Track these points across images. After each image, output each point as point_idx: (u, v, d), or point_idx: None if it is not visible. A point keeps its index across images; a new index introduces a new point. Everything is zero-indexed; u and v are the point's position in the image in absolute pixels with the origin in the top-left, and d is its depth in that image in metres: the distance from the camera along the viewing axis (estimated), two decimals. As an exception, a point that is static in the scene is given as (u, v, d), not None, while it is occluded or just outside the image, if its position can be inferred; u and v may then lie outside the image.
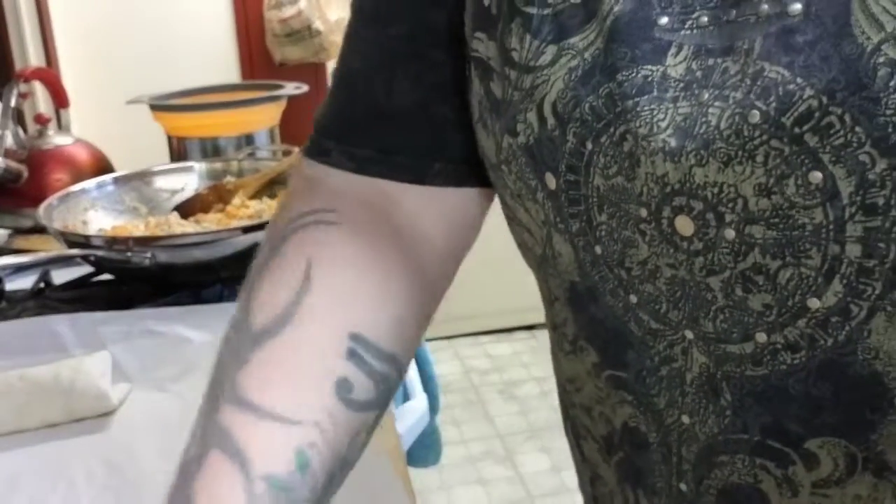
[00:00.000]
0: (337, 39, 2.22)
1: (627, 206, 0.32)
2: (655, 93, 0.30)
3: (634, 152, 0.31)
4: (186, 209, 1.08)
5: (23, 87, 1.22)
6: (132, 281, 0.96)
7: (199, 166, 1.16)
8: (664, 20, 0.30)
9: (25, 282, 0.98)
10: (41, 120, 1.24)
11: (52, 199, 0.99)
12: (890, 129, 0.26)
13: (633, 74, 0.31)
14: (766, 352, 0.31)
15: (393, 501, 0.58)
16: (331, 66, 2.40)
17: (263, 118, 1.33)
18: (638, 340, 0.35)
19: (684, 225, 0.31)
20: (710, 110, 0.29)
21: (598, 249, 0.34)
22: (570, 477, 2.35)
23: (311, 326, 0.39)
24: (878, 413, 0.30)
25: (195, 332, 0.82)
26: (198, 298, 0.92)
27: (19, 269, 1.01)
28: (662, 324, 0.34)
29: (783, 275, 0.29)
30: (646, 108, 0.30)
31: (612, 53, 0.31)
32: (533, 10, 0.34)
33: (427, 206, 0.44)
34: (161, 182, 1.12)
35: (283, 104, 1.35)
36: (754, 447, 0.33)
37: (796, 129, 0.27)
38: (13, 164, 1.15)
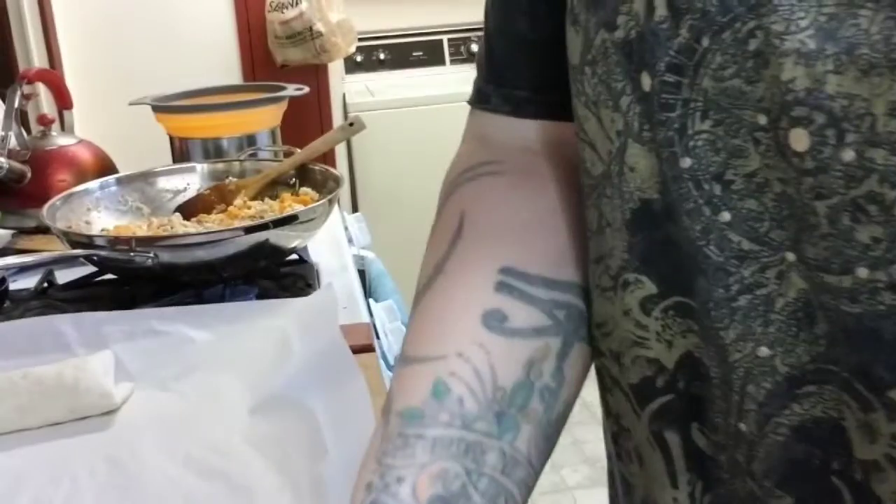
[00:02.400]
0: (338, 41, 2.22)
1: (742, 111, 0.30)
2: None
3: (763, 52, 0.28)
4: (189, 209, 1.08)
5: (26, 89, 1.22)
6: (135, 281, 0.96)
7: (201, 167, 1.16)
8: None
9: (29, 281, 0.99)
10: (45, 121, 1.25)
11: (55, 199, 1.00)
12: None
13: None
14: (866, 289, 0.28)
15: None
16: (332, 67, 2.41)
17: (265, 119, 1.34)
18: (713, 267, 0.32)
19: (799, 139, 0.28)
20: (862, 12, 0.26)
21: (685, 162, 0.32)
22: (569, 475, 2.36)
23: (458, 271, 0.39)
24: None
25: (197, 331, 0.82)
26: (200, 298, 0.93)
27: (23, 269, 1.02)
28: (760, 244, 0.31)
29: None
30: (786, 3, 0.27)
31: None
32: None
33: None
34: (163, 182, 1.13)
35: (284, 105, 1.35)
36: (843, 383, 0.30)
37: None
38: (17, 165, 1.15)
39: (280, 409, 0.68)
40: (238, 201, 1.08)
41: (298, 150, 1.15)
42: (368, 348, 0.80)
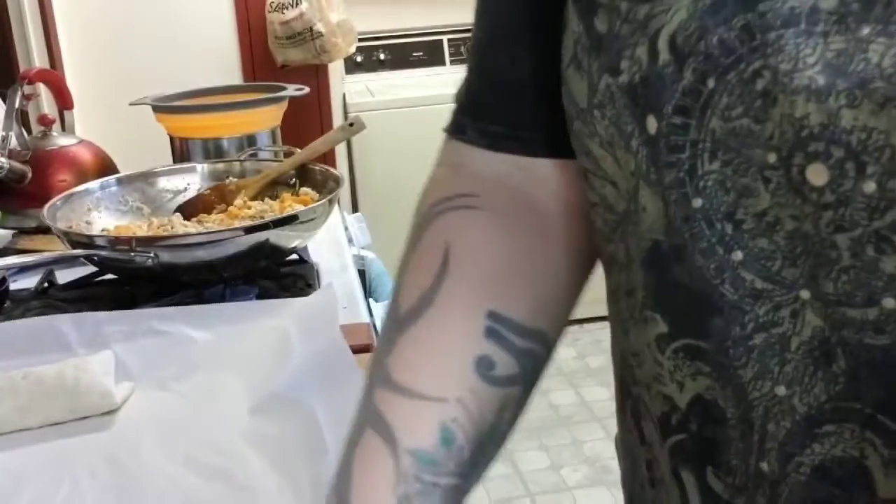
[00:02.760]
0: (338, 41, 2.22)
1: (751, 151, 0.30)
2: (803, 25, 0.27)
3: (771, 90, 0.28)
4: (189, 209, 1.08)
5: (27, 89, 1.22)
6: (135, 281, 0.96)
7: (201, 167, 1.16)
8: None
9: (30, 281, 0.99)
10: (45, 121, 1.25)
11: (55, 199, 1.00)
12: None
13: (779, 5, 0.28)
14: (892, 319, 0.28)
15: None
16: (332, 67, 2.41)
17: (265, 119, 1.34)
18: (729, 305, 0.32)
19: (817, 173, 0.28)
20: (872, 46, 0.26)
21: (697, 202, 0.32)
22: (569, 475, 2.36)
23: (449, 308, 0.40)
24: None
25: (198, 331, 0.82)
26: (200, 298, 0.93)
27: (23, 269, 1.02)
28: (772, 283, 0.31)
29: None
30: (791, 41, 0.28)
31: None
32: None
33: (569, 178, 0.43)
34: (164, 182, 1.13)
35: (284, 105, 1.35)
36: (866, 420, 0.30)
37: None
38: (17, 165, 1.15)
39: (280, 409, 0.68)
40: (238, 201, 1.08)
41: (298, 151, 1.15)
42: (368, 348, 0.80)
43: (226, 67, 2.35)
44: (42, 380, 0.71)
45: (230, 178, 1.13)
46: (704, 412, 0.35)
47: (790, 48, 0.28)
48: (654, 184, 0.33)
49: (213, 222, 1.04)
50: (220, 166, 1.16)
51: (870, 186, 0.27)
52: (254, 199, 1.09)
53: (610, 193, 0.38)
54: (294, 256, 1.02)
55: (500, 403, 0.40)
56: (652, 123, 0.32)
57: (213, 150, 1.31)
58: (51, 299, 0.95)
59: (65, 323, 0.82)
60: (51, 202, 0.98)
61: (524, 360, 0.41)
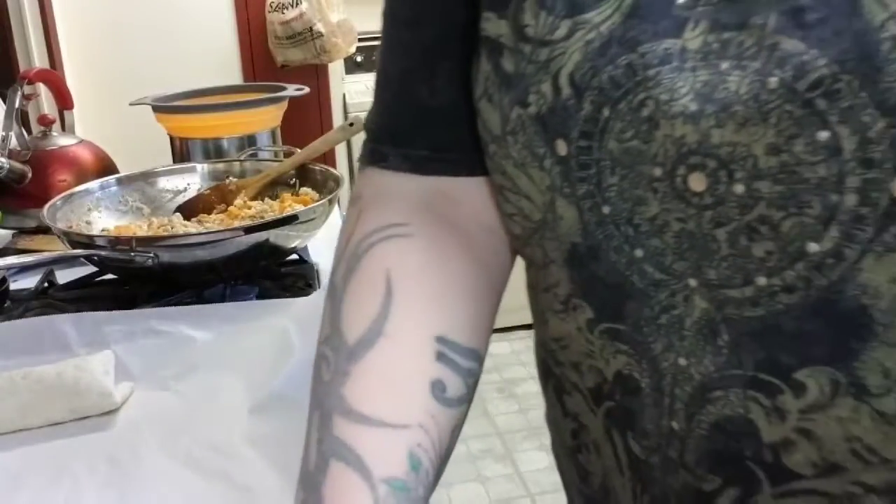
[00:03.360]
0: (338, 41, 2.23)
1: (641, 167, 0.35)
2: (675, 63, 0.33)
3: (654, 117, 0.34)
4: (189, 209, 1.08)
5: (27, 89, 1.22)
6: (135, 281, 0.96)
7: (201, 167, 1.16)
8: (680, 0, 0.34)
9: (30, 281, 0.99)
10: (45, 121, 1.25)
11: (55, 199, 1.00)
12: (890, 95, 0.30)
13: (655, 47, 0.34)
14: (765, 294, 0.34)
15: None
16: (332, 67, 2.41)
17: (265, 119, 1.34)
18: (639, 292, 0.38)
19: (697, 181, 0.34)
20: (730, 78, 0.32)
21: (605, 210, 0.38)
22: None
23: (401, 336, 0.42)
24: (862, 342, 0.33)
25: (198, 331, 0.82)
26: (200, 298, 0.93)
27: (23, 269, 1.02)
28: (667, 274, 0.37)
29: (786, 224, 0.33)
30: (667, 76, 0.34)
31: (633, 28, 0.34)
32: None
33: (485, 197, 0.47)
34: (164, 183, 1.13)
35: (284, 105, 1.35)
36: (747, 381, 0.36)
37: (808, 94, 0.31)
38: (17, 165, 1.16)
39: (280, 409, 0.68)
40: (238, 201, 1.08)
41: (298, 151, 1.15)
42: (368, 348, 0.80)
43: (226, 67, 2.35)
44: (42, 380, 0.71)
45: (230, 178, 1.13)
46: (624, 385, 0.41)
47: (667, 82, 0.34)
48: (569, 196, 0.39)
49: (213, 222, 1.04)
50: (220, 166, 1.17)
51: (739, 188, 0.33)
52: (254, 199, 1.10)
53: (525, 206, 0.43)
54: (294, 256, 1.02)
55: (453, 424, 0.42)
56: (562, 146, 0.38)
57: (213, 151, 1.31)
58: (51, 299, 0.95)
59: (65, 323, 0.83)
60: (51, 202, 0.98)
61: (468, 379, 0.44)
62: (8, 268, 0.94)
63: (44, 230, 1.11)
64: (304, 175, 1.12)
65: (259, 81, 2.11)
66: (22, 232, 1.17)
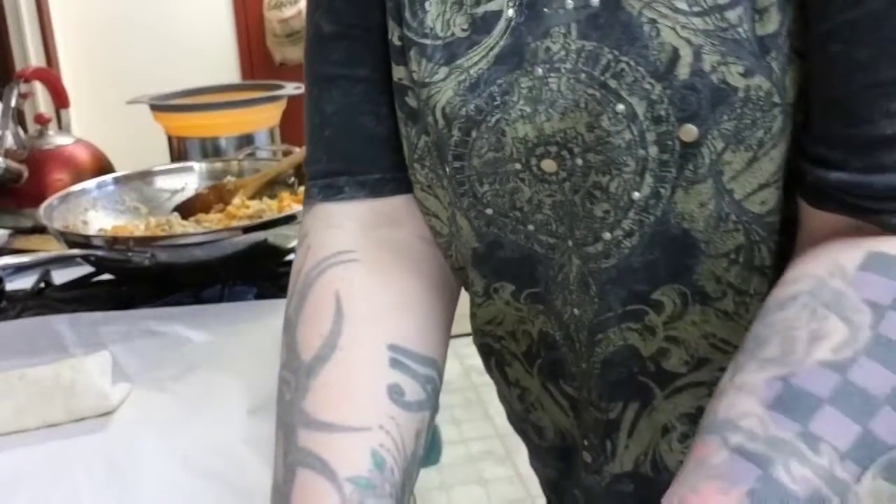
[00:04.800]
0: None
1: (503, 168, 0.43)
2: (515, 82, 0.42)
3: (499, 126, 0.42)
4: (187, 209, 1.08)
5: (23, 88, 1.22)
6: (132, 281, 0.96)
7: (199, 166, 1.16)
8: (529, 38, 0.41)
9: (26, 282, 0.99)
10: (41, 120, 1.24)
11: (52, 199, 0.99)
12: (658, 63, 0.37)
13: (511, 77, 0.42)
14: (612, 245, 0.42)
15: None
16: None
17: (263, 118, 1.33)
18: (542, 257, 0.46)
19: (548, 165, 0.42)
20: (549, 80, 0.40)
21: (489, 212, 0.46)
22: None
23: (354, 347, 0.45)
24: (693, 258, 0.41)
25: (195, 332, 0.82)
26: (198, 298, 0.93)
27: (20, 269, 1.01)
28: (555, 238, 0.45)
29: (612, 185, 0.41)
30: (509, 97, 0.42)
31: (494, 71, 0.42)
32: (427, 42, 0.44)
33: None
34: (161, 182, 1.12)
35: (283, 104, 1.35)
36: (619, 318, 0.44)
37: (602, 78, 0.39)
38: (13, 164, 1.15)
39: (279, 410, 0.68)
40: (236, 201, 1.08)
41: (297, 150, 1.14)
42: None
43: (224, 66, 2.35)
44: (38, 381, 0.71)
45: (228, 177, 1.13)
46: (545, 341, 0.49)
47: (509, 99, 0.42)
48: (460, 209, 0.47)
49: (211, 222, 1.03)
50: (218, 165, 1.16)
51: (579, 161, 0.41)
52: (252, 198, 1.09)
53: (436, 223, 0.50)
54: (293, 256, 1.01)
55: (416, 427, 0.45)
56: (447, 168, 0.45)
57: (210, 150, 1.31)
58: (47, 299, 0.94)
59: (61, 323, 0.82)
60: (47, 202, 0.98)
61: (427, 385, 0.46)
62: (4, 268, 0.93)
63: (40, 230, 1.10)
64: (302, 174, 1.11)
65: (257, 80, 2.11)
66: (18, 232, 1.16)
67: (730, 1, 0.36)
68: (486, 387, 2.43)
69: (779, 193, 0.40)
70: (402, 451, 0.43)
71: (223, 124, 1.30)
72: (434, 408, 0.47)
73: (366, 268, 0.48)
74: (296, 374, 0.45)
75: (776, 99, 0.37)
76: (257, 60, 2.34)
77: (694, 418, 0.46)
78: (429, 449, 1.34)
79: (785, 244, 0.42)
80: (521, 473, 2.03)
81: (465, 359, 2.49)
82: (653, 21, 0.37)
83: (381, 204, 0.50)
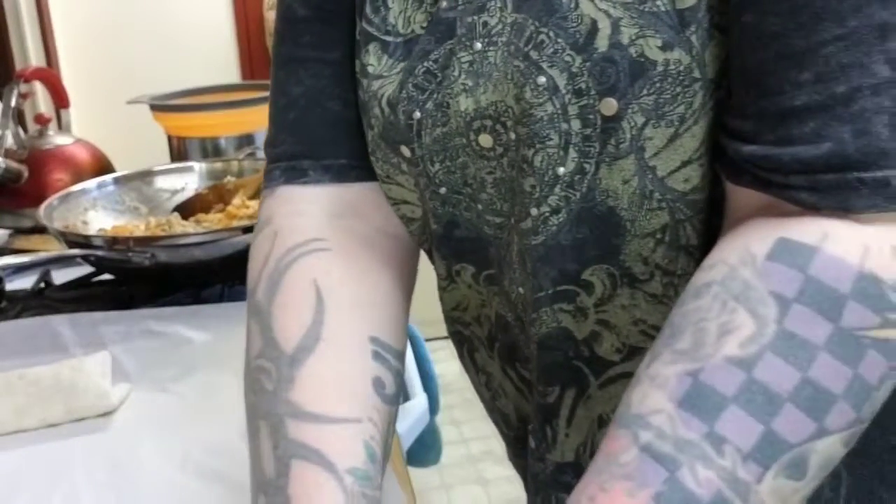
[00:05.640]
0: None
1: (450, 142, 0.43)
2: (453, 56, 0.41)
3: (446, 101, 0.42)
4: (187, 209, 1.08)
5: (23, 88, 1.22)
6: (132, 281, 0.96)
7: (199, 166, 1.16)
8: (444, 3, 0.42)
9: (26, 282, 0.99)
10: (41, 120, 1.24)
11: (52, 199, 0.99)
12: (577, 35, 0.37)
13: (441, 50, 0.42)
14: (539, 221, 0.41)
15: (393, 502, 0.58)
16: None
17: (263, 118, 1.31)
18: (491, 237, 0.46)
19: (486, 139, 0.42)
20: (488, 54, 0.41)
21: (443, 190, 0.45)
22: (570, 477, 2.31)
23: (338, 338, 0.44)
24: (620, 237, 0.41)
25: (195, 332, 0.82)
26: (198, 298, 0.93)
27: (20, 269, 1.01)
28: (501, 216, 0.44)
29: (537, 158, 0.40)
30: (452, 72, 0.42)
31: (425, 42, 0.42)
32: (389, 39, 0.45)
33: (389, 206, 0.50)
34: (161, 182, 1.12)
35: (283, 104, 1.34)
36: (551, 298, 0.43)
37: (525, 49, 0.39)
38: (13, 164, 1.15)
39: (279, 410, 0.68)
40: (236, 201, 1.08)
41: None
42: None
43: (224, 66, 2.35)
44: (38, 381, 0.71)
45: (228, 177, 1.13)
46: (500, 323, 0.49)
47: (451, 73, 0.42)
48: (421, 188, 0.47)
49: (211, 222, 1.03)
50: (219, 165, 1.16)
51: (512, 135, 0.41)
52: (252, 198, 1.09)
53: (406, 210, 0.50)
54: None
55: (390, 419, 0.45)
56: (405, 150, 0.45)
57: (211, 150, 1.31)
58: (47, 300, 0.94)
59: (61, 323, 0.82)
60: (47, 202, 0.98)
61: (398, 379, 0.47)
62: (4, 268, 0.93)
63: (40, 230, 1.10)
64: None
65: (257, 80, 2.10)
66: (18, 232, 1.16)
67: None
68: (486, 387, 2.43)
69: (703, 171, 0.39)
70: (383, 444, 0.43)
71: (223, 124, 1.30)
72: (399, 401, 0.48)
73: (340, 258, 0.48)
74: (276, 363, 0.44)
75: (696, 74, 0.37)
76: (257, 60, 2.34)
77: None
78: (429, 449, 1.34)
79: (716, 224, 0.41)
80: (520, 473, 2.03)
81: (464, 359, 2.49)
82: None
83: (345, 191, 0.49)
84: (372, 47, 0.45)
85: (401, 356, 0.47)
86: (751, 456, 0.31)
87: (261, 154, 1.29)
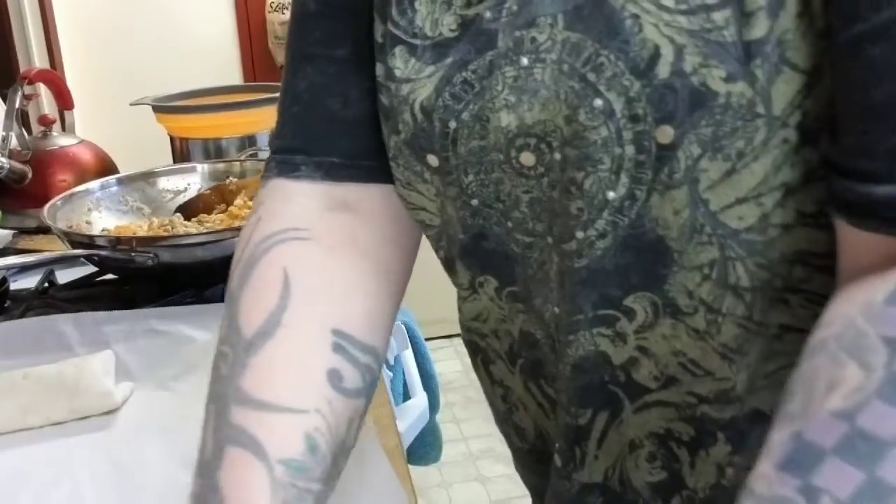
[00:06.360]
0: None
1: (487, 157, 0.42)
2: (495, 69, 0.41)
3: (485, 115, 0.41)
4: (189, 209, 1.08)
5: (27, 89, 1.22)
6: (135, 281, 0.96)
7: (201, 167, 1.16)
8: (487, 14, 0.41)
9: (30, 281, 0.99)
10: (45, 121, 1.25)
11: (56, 199, 1.00)
12: (639, 60, 0.36)
13: (481, 61, 0.41)
14: (585, 244, 0.41)
15: (393, 499, 0.59)
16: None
17: (265, 119, 1.34)
18: (519, 256, 0.45)
19: (527, 158, 0.41)
20: (535, 70, 0.39)
21: (474, 202, 0.45)
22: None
23: (298, 326, 0.44)
24: (666, 267, 0.40)
25: (198, 331, 0.82)
26: (200, 298, 0.93)
27: (24, 269, 1.02)
28: (533, 236, 0.44)
29: (587, 182, 0.39)
30: (491, 84, 0.41)
31: (464, 52, 0.42)
32: (417, 42, 0.44)
33: (386, 203, 0.50)
34: (164, 183, 1.13)
35: (284, 105, 1.35)
36: (590, 321, 0.43)
37: (582, 70, 0.38)
38: (18, 165, 1.16)
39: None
40: (239, 201, 1.08)
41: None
42: (368, 348, 0.79)
43: (226, 68, 2.35)
44: (42, 379, 0.71)
45: (231, 178, 1.13)
46: (526, 340, 0.48)
47: (489, 84, 0.41)
48: (448, 198, 0.46)
49: (213, 222, 1.04)
50: (221, 166, 1.16)
51: (557, 155, 0.40)
52: (254, 199, 1.09)
53: (424, 216, 0.49)
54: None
55: (350, 415, 0.44)
56: (433, 159, 0.45)
57: (213, 151, 1.31)
58: (51, 299, 0.95)
59: (65, 323, 0.82)
60: (51, 202, 0.98)
61: (366, 374, 0.46)
62: (8, 268, 0.94)
63: (44, 230, 1.11)
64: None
65: (259, 82, 2.11)
66: (22, 232, 1.17)
67: (718, 1, 0.35)
68: (488, 387, 2.43)
69: (760, 211, 0.38)
70: (335, 437, 0.43)
71: (225, 125, 1.31)
72: (369, 397, 0.46)
73: (317, 248, 0.47)
74: (234, 348, 0.44)
75: (759, 109, 0.36)
76: (259, 62, 2.34)
77: (663, 440, 0.45)
78: (429, 447, 1.34)
79: (780, 272, 0.39)
80: (521, 473, 2.03)
81: (465, 357, 2.49)
82: (636, 16, 0.36)
83: (336, 189, 0.49)
84: (398, 50, 0.44)
85: (371, 352, 0.46)
86: None
87: (262, 155, 1.30)
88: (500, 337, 0.50)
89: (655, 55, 0.36)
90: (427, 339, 1.31)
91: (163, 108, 1.31)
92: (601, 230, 0.40)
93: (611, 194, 0.39)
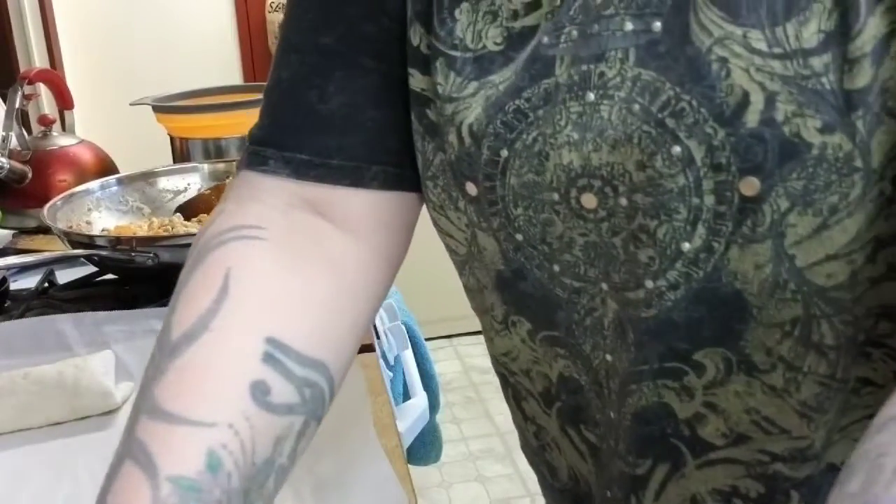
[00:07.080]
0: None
1: (540, 195, 0.40)
2: (553, 99, 0.38)
3: (543, 149, 0.39)
4: (189, 209, 1.08)
5: (27, 89, 1.22)
6: (135, 281, 0.96)
7: (202, 167, 1.16)
8: (545, 39, 0.38)
9: (30, 281, 0.99)
10: (45, 121, 1.25)
11: (56, 199, 1.00)
12: (724, 107, 0.34)
13: (536, 89, 0.39)
14: (654, 295, 0.38)
15: (393, 499, 0.59)
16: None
17: (265, 119, 1.34)
18: (564, 301, 0.42)
19: (588, 199, 0.39)
20: (601, 107, 0.37)
21: (519, 237, 0.42)
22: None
23: (226, 332, 0.40)
24: (743, 323, 0.38)
25: (198, 331, 0.82)
26: (200, 298, 0.93)
27: (24, 269, 1.02)
28: (583, 281, 0.41)
29: (660, 230, 0.37)
30: (549, 112, 0.38)
31: (518, 78, 0.39)
32: (457, 54, 0.41)
33: (362, 210, 0.46)
34: (164, 183, 1.13)
35: (284, 105, 1.35)
36: (655, 373, 0.40)
37: (659, 115, 0.35)
38: (18, 165, 1.16)
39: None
40: (238, 201, 1.08)
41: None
42: (368, 348, 0.80)
43: (226, 68, 2.35)
44: (42, 379, 0.71)
45: (230, 178, 1.13)
46: (567, 385, 0.46)
47: (549, 117, 0.38)
48: (486, 230, 0.43)
49: (213, 222, 1.04)
50: (221, 166, 1.17)
51: (623, 201, 0.37)
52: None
53: (451, 242, 0.47)
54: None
55: (277, 433, 0.39)
56: (471, 187, 0.42)
57: (213, 151, 1.32)
58: (51, 299, 0.95)
59: (65, 323, 0.82)
60: (51, 202, 0.98)
61: (304, 389, 0.41)
62: (8, 268, 0.94)
63: (44, 230, 1.11)
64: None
65: (259, 81, 2.11)
66: (22, 232, 1.17)
67: (816, 46, 0.32)
68: (486, 385, 2.44)
69: (851, 269, 0.35)
70: (248, 456, 0.38)
71: (226, 125, 1.31)
72: (315, 416, 0.42)
73: (271, 249, 0.43)
74: (160, 350, 0.40)
75: (857, 163, 0.33)
76: (259, 62, 2.34)
77: (728, 497, 0.42)
78: (429, 447, 1.34)
79: (886, 331, 0.37)
80: (520, 471, 2.03)
81: (465, 358, 2.50)
82: (723, 60, 0.33)
83: (304, 189, 0.45)
84: (439, 64, 0.41)
85: (316, 366, 0.42)
86: None
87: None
88: (532, 378, 0.48)
89: (744, 102, 0.33)
90: (427, 339, 1.31)
91: (163, 108, 1.31)
92: (672, 281, 0.38)
93: (686, 245, 0.37)
